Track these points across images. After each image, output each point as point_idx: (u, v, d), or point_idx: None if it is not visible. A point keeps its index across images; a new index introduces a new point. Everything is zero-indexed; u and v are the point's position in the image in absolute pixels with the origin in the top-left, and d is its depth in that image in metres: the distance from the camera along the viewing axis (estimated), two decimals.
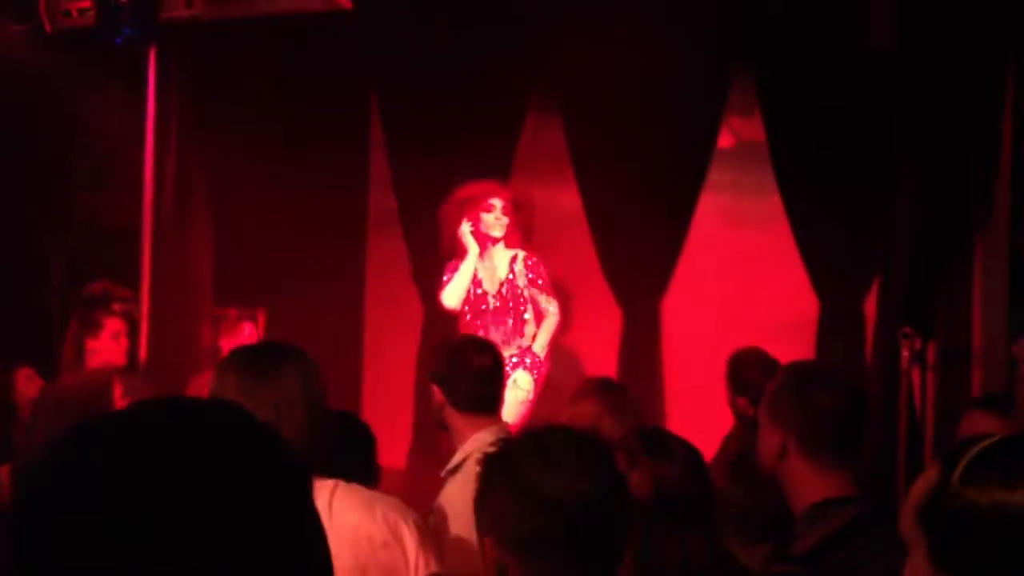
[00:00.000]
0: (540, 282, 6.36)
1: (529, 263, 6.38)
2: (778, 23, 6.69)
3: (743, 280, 7.41)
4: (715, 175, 7.33)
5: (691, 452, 2.60)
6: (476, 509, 1.94)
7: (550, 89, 7.48)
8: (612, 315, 7.45)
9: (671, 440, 2.62)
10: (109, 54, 6.64)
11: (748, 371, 5.03)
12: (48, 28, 6.87)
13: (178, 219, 7.56)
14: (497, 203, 6.39)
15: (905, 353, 5.61)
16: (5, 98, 7.40)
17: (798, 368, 2.70)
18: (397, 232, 7.93)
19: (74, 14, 6.95)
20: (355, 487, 2.59)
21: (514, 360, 6.21)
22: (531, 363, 6.30)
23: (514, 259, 6.39)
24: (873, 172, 6.52)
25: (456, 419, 3.51)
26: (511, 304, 6.34)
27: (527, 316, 6.39)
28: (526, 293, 6.35)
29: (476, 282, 6.37)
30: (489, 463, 1.94)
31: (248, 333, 6.77)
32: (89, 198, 7.98)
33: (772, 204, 7.08)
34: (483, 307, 6.37)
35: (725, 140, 7.51)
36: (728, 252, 7.47)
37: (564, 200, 7.47)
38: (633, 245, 7.22)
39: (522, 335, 6.36)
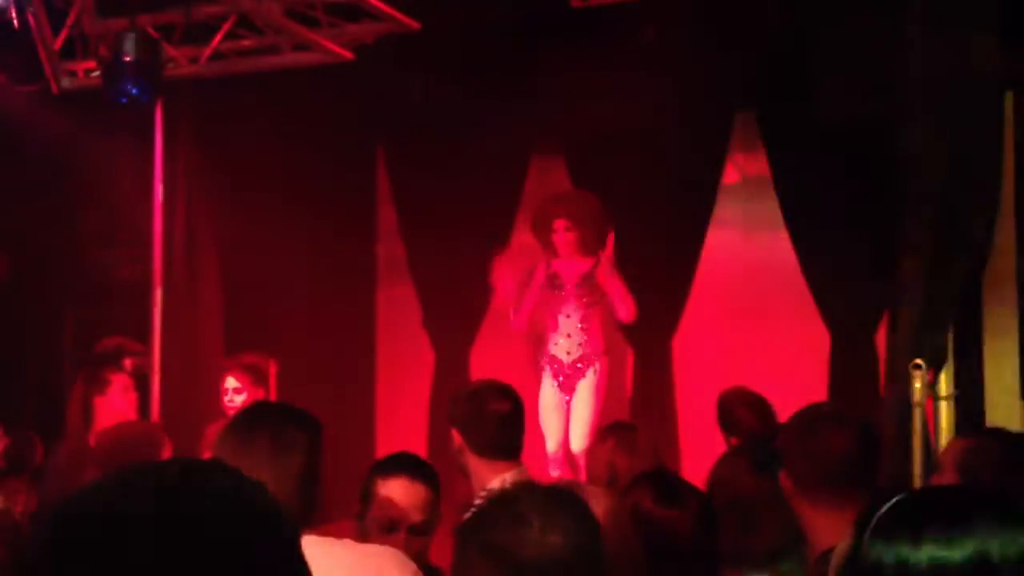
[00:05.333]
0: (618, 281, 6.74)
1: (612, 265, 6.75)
2: (778, 61, 6.71)
3: (754, 315, 7.41)
4: (722, 211, 7.35)
5: (701, 501, 2.59)
6: None
7: (553, 132, 7.52)
8: (623, 353, 7.47)
9: (682, 488, 2.61)
10: (116, 112, 6.69)
11: (736, 412, 5.06)
12: (55, 89, 6.94)
13: (188, 273, 7.59)
14: (558, 227, 6.76)
15: (917, 385, 5.59)
16: (14, 157, 7.47)
17: (808, 412, 2.69)
18: (406, 280, 7.96)
19: (80, 75, 7.04)
20: (348, 541, 2.56)
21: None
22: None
23: (595, 259, 6.75)
24: (878, 204, 6.52)
25: (476, 464, 3.49)
26: (582, 291, 6.78)
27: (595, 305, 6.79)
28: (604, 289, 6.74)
29: (552, 273, 6.83)
30: (460, 532, 1.84)
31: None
32: (99, 255, 8.02)
33: (780, 238, 7.08)
34: (556, 290, 6.83)
35: (731, 176, 7.53)
36: (737, 287, 7.46)
37: None
38: (642, 283, 7.23)
39: (584, 318, 6.76)
